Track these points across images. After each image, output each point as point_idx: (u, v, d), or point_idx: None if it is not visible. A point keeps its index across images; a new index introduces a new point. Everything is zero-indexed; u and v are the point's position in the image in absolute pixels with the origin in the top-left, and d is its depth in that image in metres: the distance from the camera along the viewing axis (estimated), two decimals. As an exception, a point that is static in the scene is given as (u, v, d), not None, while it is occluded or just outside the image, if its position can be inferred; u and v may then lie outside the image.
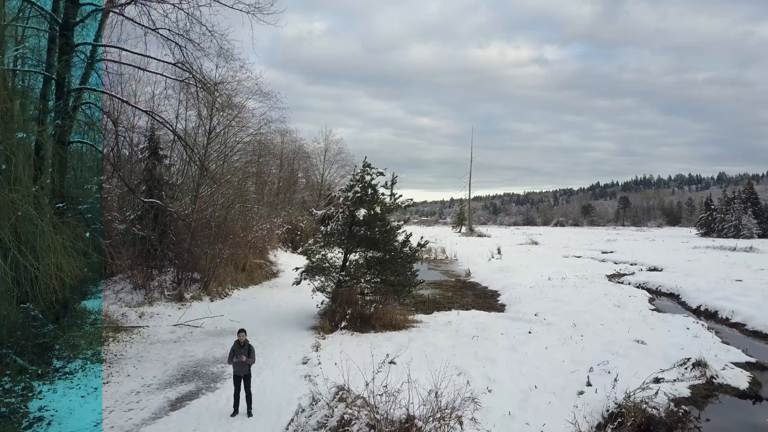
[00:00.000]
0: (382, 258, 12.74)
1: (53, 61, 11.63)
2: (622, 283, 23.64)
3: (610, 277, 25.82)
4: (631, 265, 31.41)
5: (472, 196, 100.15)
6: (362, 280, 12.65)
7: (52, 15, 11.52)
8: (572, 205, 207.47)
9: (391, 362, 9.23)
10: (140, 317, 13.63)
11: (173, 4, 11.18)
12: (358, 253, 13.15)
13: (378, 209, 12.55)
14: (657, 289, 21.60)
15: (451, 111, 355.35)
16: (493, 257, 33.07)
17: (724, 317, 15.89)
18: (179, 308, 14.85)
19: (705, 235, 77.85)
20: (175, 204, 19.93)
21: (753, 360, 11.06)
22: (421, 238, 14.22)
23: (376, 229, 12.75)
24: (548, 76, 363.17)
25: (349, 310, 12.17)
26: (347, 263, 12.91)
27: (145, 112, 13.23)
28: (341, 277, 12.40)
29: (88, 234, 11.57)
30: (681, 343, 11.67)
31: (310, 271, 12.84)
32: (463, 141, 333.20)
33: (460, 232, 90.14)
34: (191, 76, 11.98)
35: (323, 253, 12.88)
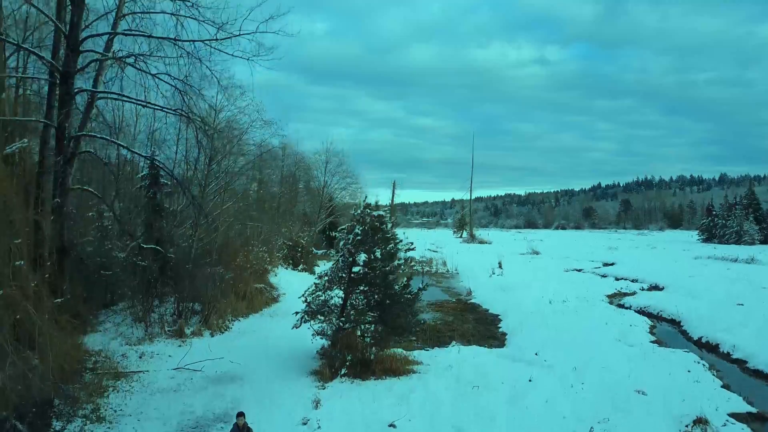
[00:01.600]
0: (382, 300, 12.72)
1: (53, 109, 11.63)
2: (622, 305, 23.60)
3: (611, 298, 25.81)
4: (632, 281, 31.39)
5: (473, 197, 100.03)
6: (362, 325, 12.63)
7: (53, 63, 11.51)
8: (573, 206, 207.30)
9: (391, 425, 9.25)
10: (140, 358, 13.63)
11: (173, 57, 11.18)
12: (358, 294, 13.13)
13: (378, 254, 12.52)
14: (658, 314, 21.56)
15: (453, 111, 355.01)
16: (494, 273, 33.03)
17: (725, 352, 15.86)
18: (180, 346, 14.84)
19: (707, 240, 77.77)
20: (176, 231, 19.97)
21: (754, 410, 11.03)
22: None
23: (377, 272, 12.73)
24: (549, 77, 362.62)
25: (349, 356, 12.16)
26: (347, 307, 12.90)
27: (146, 157, 13.25)
28: (341, 323, 12.39)
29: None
30: (682, 390, 11.63)
31: (310, 314, 12.83)
32: (465, 141, 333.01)
33: (461, 236, 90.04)
34: (191, 121, 11.98)
35: (323, 298, 12.88)
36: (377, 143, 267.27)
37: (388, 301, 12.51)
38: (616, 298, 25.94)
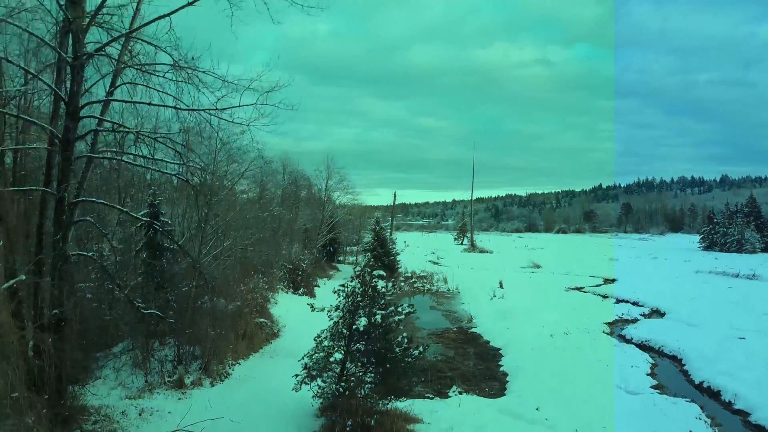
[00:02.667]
0: (382, 362, 12.67)
1: (52, 177, 11.58)
2: (623, 336, 23.56)
3: (612, 326, 25.74)
4: (633, 304, 31.36)
5: (474, 197, 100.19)
6: (362, 390, 12.58)
7: (52, 131, 11.46)
8: (574, 208, 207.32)
9: None
10: (140, 415, 13.59)
11: (171, 137, 11.11)
12: (357, 356, 13.07)
13: (379, 318, 12.46)
14: (659, 349, 21.48)
15: (455, 111, 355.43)
16: (494, 296, 32.96)
17: (727, 401, 15.80)
18: (180, 399, 14.80)
19: (708, 248, 77.79)
20: (176, 267, 19.93)
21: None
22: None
23: (377, 334, 12.68)
24: (552, 77, 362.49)
25: (349, 421, 12.12)
26: (346, 368, 12.85)
27: (146, 221, 13.20)
28: (341, 388, 12.33)
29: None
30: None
31: (310, 378, 12.78)
32: (467, 141, 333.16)
33: (462, 243, 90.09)
34: (192, 186, 11.94)
35: (323, 358, 12.82)
36: (380, 143, 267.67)
37: (388, 365, 12.45)
38: (617, 326, 25.91)
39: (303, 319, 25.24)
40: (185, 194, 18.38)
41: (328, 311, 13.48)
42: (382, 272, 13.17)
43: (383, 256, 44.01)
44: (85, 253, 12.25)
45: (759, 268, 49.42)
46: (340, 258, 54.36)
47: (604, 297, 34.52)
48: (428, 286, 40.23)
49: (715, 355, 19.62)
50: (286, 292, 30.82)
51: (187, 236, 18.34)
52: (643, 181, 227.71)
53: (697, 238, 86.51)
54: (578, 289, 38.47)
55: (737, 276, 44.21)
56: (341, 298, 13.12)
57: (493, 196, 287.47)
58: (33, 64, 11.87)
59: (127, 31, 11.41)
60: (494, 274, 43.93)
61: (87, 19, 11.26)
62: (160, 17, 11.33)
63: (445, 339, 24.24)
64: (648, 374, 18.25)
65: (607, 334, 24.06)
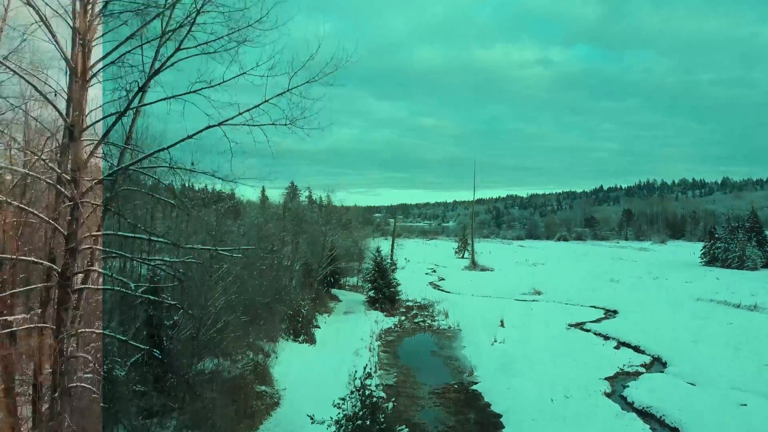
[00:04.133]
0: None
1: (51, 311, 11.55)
2: (624, 399, 23.54)
3: (613, 382, 25.69)
4: (635, 349, 31.36)
5: (475, 198, 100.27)
6: None
7: (51, 265, 11.41)
8: (575, 211, 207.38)
9: None
10: None
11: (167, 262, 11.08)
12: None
13: (378, 443, 12.43)
14: (661, 418, 21.44)
15: (456, 111, 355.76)
16: (496, 340, 32.90)
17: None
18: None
19: (709, 263, 77.85)
20: (175, 344, 19.92)
21: None
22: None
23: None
24: (553, 77, 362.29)
25: None
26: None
27: (144, 350, 13.17)
28: None
29: None
30: None
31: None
32: (467, 141, 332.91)
33: (462, 256, 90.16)
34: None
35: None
36: (380, 143, 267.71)
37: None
38: (619, 381, 25.94)
39: (305, 377, 25.25)
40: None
41: (328, 424, 13.46)
42: (382, 394, 13.10)
43: (384, 288, 44.09)
44: (84, 385, 12.19)
45: (760, 293, 49.47)
46: (341, 281, 54.23)
47: (606, 338, 34.47)
48: (429, 321, 40.22)
49: (719, 426, 19.68)
50: (287, 340, 30.80)
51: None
52: (644, 183, 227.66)
53: (698, 246, 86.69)
54: (579, 325, 38.46)
55: (738, 306, 44.19)
56: (341, 415, 13.10)
57: (494, 197, 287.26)
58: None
59: (125, 166, 11.35)
60: (496, 305, 44.02)
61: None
62: (159, 150, 11.33)
63: (445, 399, 24.23)
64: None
65: (608, 395, 24.02)
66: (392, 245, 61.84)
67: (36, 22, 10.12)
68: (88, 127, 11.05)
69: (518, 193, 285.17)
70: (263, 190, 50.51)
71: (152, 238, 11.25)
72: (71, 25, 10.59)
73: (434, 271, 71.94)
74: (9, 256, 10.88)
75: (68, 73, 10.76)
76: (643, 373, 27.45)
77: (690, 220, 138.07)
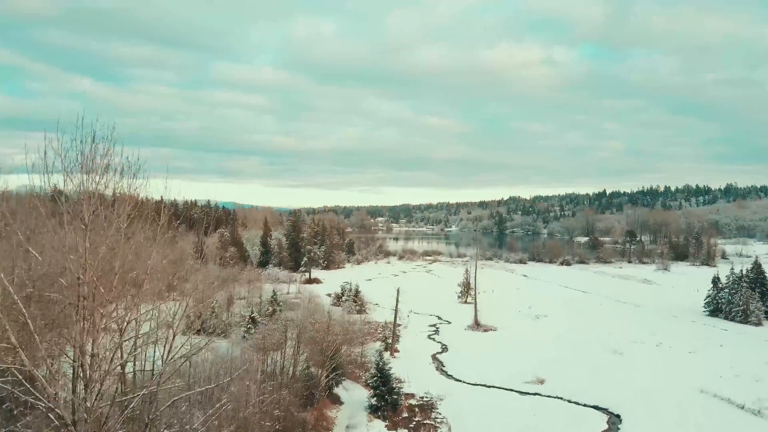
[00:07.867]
0: None
1: None
2: None
3: None
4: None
5: (477, 200, 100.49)
6: None
7: None
8: (578, 219, 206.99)
9: None
10: None
11: None
12: None
13: None
14: None
15: (460, 111, 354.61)
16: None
17: None
18: None
19: (713, 314, 77.93)
20: None
21: None
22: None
23: None
24: (557, 77, 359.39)
25: None
26: None
27: None
28: None
29: None
30: None
31: None
32: (471, 140, 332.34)
33: (465, 301, 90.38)
34: None
35: None
36: (385, 142, 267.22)
37: None
38: None
39: None
40: None
41: None
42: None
43: (386, 395, 43.97)
44: None
45: (765, 376, 49.45)
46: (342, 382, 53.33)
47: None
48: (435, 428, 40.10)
49: None
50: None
51: None
52: (647, 189, 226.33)
53: (701, 273, 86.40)
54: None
55: (743, 408, 44.02)
56: None
57: (497, 199, 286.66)
58: None
59: None
60: (499, 407, 44.01)
61: None
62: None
63: None
64: None
65: None
66: (395, 313, 61.88)
67: None
68: None
69: (521, 194, 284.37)
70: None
71: None
72: None
73: (437, 331, 72.14)
74: None
75: None
76: None
77: (694, 242, 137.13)
